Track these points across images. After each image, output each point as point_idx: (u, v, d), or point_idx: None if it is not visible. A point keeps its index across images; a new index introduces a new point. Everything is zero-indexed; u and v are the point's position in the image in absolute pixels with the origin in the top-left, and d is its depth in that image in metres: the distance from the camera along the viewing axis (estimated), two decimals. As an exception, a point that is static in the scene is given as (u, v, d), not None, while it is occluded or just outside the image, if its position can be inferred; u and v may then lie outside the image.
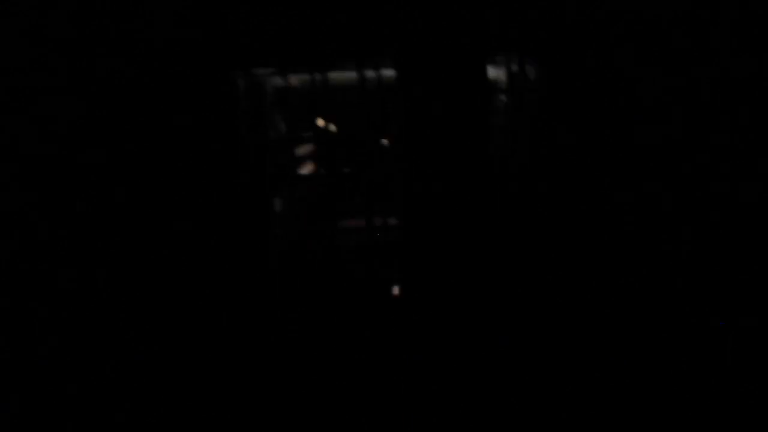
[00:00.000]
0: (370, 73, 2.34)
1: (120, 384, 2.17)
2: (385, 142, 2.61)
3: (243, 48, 2.17)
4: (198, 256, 2.22)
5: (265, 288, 2.35)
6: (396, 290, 2.43)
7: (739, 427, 2.05)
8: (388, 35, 2.16)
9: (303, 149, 2.88)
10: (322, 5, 2.14)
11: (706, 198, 2.11)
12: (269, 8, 2.14)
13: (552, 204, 2.25)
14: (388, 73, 2.29)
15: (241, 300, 2.28)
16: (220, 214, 2.23)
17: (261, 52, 2.19)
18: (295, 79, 2.56)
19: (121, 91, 2.13)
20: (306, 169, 2.88)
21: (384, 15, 2.14)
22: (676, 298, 2.16)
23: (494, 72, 2.36)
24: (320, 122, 2.53)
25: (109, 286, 2.17)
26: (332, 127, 2.65)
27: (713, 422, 2.07)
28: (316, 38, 2.17)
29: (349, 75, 2.38)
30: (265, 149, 2.44)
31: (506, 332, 2.27)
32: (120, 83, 2.12)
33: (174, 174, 2.18)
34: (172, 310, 2.22)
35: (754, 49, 2.04)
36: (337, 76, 2.38)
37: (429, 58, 2.17)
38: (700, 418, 2.08)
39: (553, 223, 2.25)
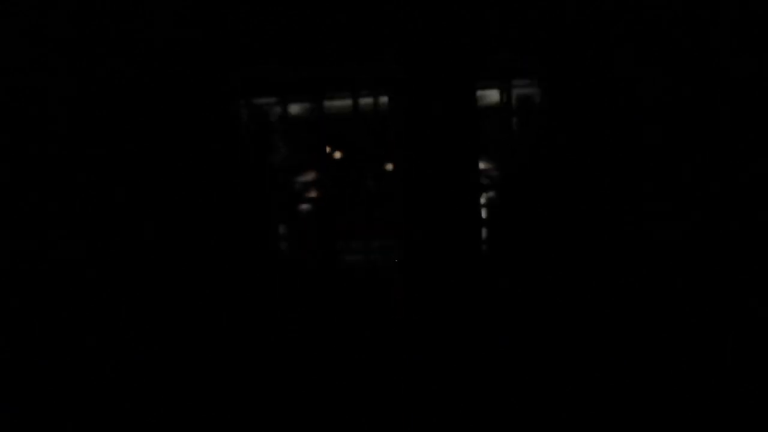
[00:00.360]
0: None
1: (120, 384, 2.17)
2: (389, 167, 2.63)
3: (243, 48, 2.18)
4: (195, 259, 2.22)
5: (267, 292, 2.35)
6: (396, 291, 2.44)
7: (740, 427, 2.05)
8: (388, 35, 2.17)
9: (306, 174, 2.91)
10: (322, 5, 2.14)
11: (706, 198, 2.11)
12: (269, 8, 2.14)
13: (551, 205, 2.25)
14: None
15: (242, 301, 2.28)
16: (219, 213, 2.23)
17: (261, 52, 2.19)
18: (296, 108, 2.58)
19: (121, 91, 2.13)
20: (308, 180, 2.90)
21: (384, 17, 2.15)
22: (675, 298, 2.16)
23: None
24: (328, 148, 2.56)
25: (109, 286, 2.17)
26: (335, 150, 2.66)
27: (714, 422, 2.07)
28: (316, 36, 2.17)
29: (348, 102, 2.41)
30: (265, 149, 2.44)
31: (506, 332, 2.27)
32: (120, 83, 2.12)
33: (174, 174, 2.18)
34: (172, 311, 2.22)
35: (754, 49, 2.04)
36: (338, 103, 2.41)
37: (427, 65, 2.18)
38: (700, 418, 2.08)
39: (552, 224, 2.25)
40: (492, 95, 2.43)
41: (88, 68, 2.10)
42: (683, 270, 2.15)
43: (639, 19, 2.09)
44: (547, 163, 2.24)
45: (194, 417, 2.19)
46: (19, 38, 2.06)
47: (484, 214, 2.44)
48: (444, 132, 2.23)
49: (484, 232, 2.41)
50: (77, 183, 2.13)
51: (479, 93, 2.33)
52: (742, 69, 2.05)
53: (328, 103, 2.42)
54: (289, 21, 2.16)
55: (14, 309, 2.11)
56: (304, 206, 2.67)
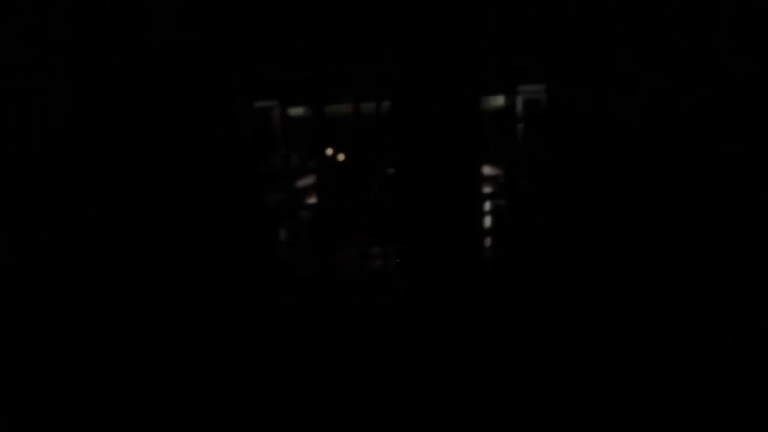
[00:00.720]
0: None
1: (120, 384, 2.17)
2: (390, 170, 2.59)
3: (243, 48, 2.18)
4: (195, 258, 2.22)
5: (264, 297, 2.35)
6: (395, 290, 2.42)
7: (739, 427, 2.05)
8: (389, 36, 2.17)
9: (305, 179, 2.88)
10: (321, 5, 2.14)
11: (706, 198, 2.11)
12: (269, 8, 2.14)
13: (552, 205, 2.25)
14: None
15: (241, 303, 2.28)
16: (217, 210, 2.23)
17: (261, 52, 2.19)
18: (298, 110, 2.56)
19: (121, 91, 2.13)
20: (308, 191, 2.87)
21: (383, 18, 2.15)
22: (675, 298, 2.16)
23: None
24: (329, 151, 2.53)
25: (110, 286, 2.17)
26: (336, 154, 2.62)
27: (713, 422, 2.07)
28: (316, 36, 2.17)
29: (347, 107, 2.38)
30: (266, 150, 2.44)
31: (507, 333, 2.26)
32: (120, 83, 2.12)
33: (174, 174, 2.18)
34: (172, 312, 2.22)
35: (754, 49, 2.04)
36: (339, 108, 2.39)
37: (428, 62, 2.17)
38: (700, 418, 2.08)
39: (553, 223, 2.25)
40: (495, 99, 2.43)
41: (88, 68, 2.10)
42: (683, 271, 2.15)
43: (639, 19, 2.09)
44: (549, 165, 2.24)
45: (193, 415, 2.19)
46: (19, 38, 2.06)
47: (487, 218, 2.43)
48: (444, 132, 2.22)
49: (486, 237, 2.40)
50: (77, 183, 2.13)
51: (483, 98, 2.33)
52: (742, 69, 2.05)
53: (330, 108, 2.40)
54: (289, 21, 2.15)
55: (14, 309, 2.11)
56: (304, 210, 2.64)
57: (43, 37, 2.07)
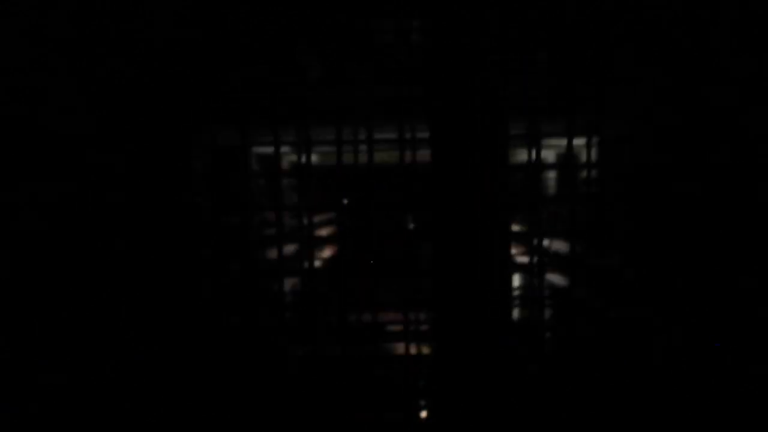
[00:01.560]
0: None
1: (120, 384, 2.17)
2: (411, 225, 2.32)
3: (243, 48, 2.17)
4: (195, 265, 2.22)
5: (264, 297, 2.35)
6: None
7: (739, 427, 2.05)
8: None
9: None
10: (322, 5, 2.14)
11: (707, 199, 2.11)
12: (270, 8, 2.14)
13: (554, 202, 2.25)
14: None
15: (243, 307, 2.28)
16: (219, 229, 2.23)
17: (261, 52, 2.19)
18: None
19: (121, 91, 2.13)
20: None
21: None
22: (675, 298, 2.16)
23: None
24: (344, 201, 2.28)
25: (109, 286, 2.17)
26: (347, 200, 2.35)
27: (714, 422, 2.07)
28: (317, 36, 2.17)
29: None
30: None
31: (510, 333, 2.26)
32: (120, 83, 2.12)
33: (174, 175, 2.18)
34: (172, 311, 2.22)
35: (754, 49, 2.04)
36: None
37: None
38: (700, 418, 2.08)
39: (554, 221, 2.25)
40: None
41: (88, 68, 2.10)
42: (683, 271, 2.15)
43: (639, 19, 2.09)
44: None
45: (193, 415, 2.19)
46: (19, 38, 2.05)
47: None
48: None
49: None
50: (77, 184, 2.12)
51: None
52: (742, 69, 2.05)
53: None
54: (289, 21, 2.15)
55: (14, 309, 2.11)
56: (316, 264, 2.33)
57: (43, 37, 2.07)
